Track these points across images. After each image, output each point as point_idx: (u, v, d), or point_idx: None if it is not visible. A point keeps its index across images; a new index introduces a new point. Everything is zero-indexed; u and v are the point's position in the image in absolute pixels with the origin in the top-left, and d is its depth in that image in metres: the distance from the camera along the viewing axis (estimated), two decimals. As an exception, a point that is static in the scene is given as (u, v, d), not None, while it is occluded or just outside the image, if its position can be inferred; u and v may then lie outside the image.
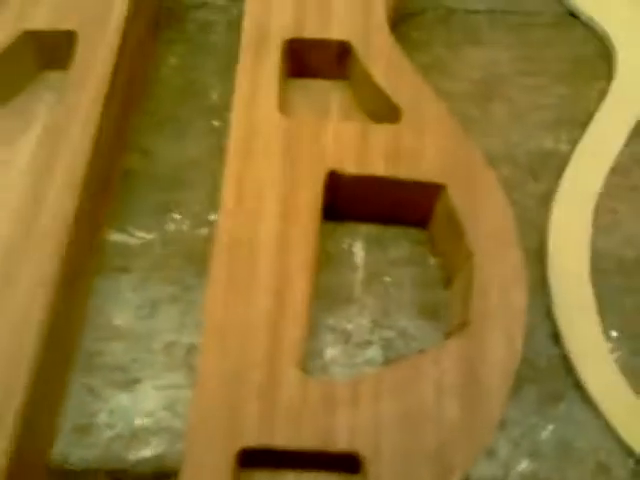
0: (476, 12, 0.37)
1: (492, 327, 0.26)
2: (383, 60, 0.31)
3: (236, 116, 0.30)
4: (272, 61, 0.30)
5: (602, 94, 0.34)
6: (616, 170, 0.33)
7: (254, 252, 0.27)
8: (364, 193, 0.30)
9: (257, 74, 0.30)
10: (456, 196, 0.28)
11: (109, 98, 0.30)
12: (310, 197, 0.28)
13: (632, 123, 0.33)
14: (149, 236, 0.32)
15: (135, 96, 0.34)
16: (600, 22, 0.36)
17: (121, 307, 0.30)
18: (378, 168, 0.29)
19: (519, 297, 0.26)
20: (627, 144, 0.33)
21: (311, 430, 0.25)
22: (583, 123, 0.34)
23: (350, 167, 0.29)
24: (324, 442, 0.24)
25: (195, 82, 0.35)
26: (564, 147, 0.34)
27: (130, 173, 0.33)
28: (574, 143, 0.33)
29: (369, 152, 0.29)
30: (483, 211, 0.28)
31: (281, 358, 0.26)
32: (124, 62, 0.32)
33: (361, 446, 0.24)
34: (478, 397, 0.25)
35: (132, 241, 0.32)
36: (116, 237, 0.32)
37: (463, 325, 0.27)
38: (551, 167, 0.33)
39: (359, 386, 0.25)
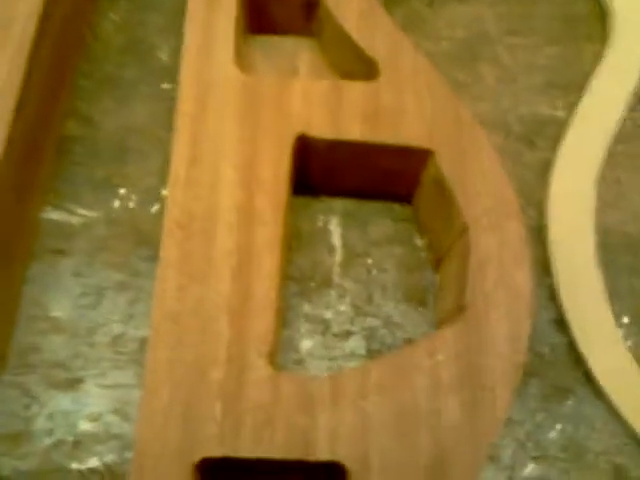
0: (460, -36, 0.33)
1: (493, 311, 0.22)
2: (355, 10, 0.27)
3: (186, 72, 0.25)
4: (227, 11, 0.26)
5: (597, 56, 0.31)
6: (618, 137, 0.29)
7: (211, 227, 0.23)
8: (339, 162, 0.26)
9: (210, 25, 0.26)
10: (445, 162, 0.24)
11: (35, 58, 0.26)
12: (277, 164, 0.24)
13: (631, 87, 0.30)
14: (91, 214, 0.27)
15: (72, 56, 0.29)
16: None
17: (60, 295, 0.26)
18: (354, 132, 0.25)
19: (523, 276, 0.23)
20: (629, 109, 0.30)
21: (284, 436, 0.21)
22: (579, 86, 0.30)
23: (322, 131, 0.25)
24: (301, 451, 0.20)
25: (141, 41, 0.30)
26: (560, 113, 0.30)
27: (70, 142, 0.28)
28: (571, 108, 0.30)
29: (343, 113, 0.25)
30: (477, 178, 0.24)
31: (247, 351, 0.22)
32: (54, 17, 0.27)
33: (345, 455, 0.20)
34: (480, 394, 0.21)
35: (72, 220, 0.27)
36: (53, 215, 0.27)
37: (459, 310, 0.23)
38: (548, 135, 0.30)
39: (341, 382, 0.21)
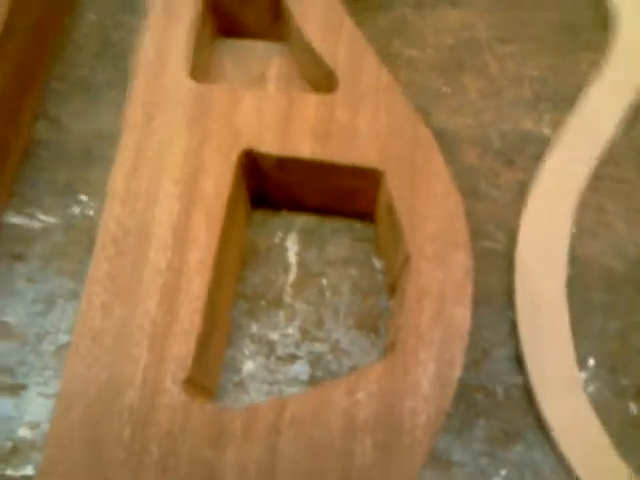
0: (456, -35, 0.31)
1: (424, 350, 0.21)
2: (318, 16, 0.25)
3: (138, 81, 0.25)
4: (185, 15, 0.25)
5: (594, 68, 0.29)
6: (608, 158, 0.27)
7: (144, 244, 0.23)
8: (291, 179, 0.25)
9: (167, 31, 0.25)
10: (394, 184, 0.23)
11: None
12: (219, 181, 0.23)
13: (628, 102, 0.27)
14: (51, 220, 0.27)
15: (44, 58, 0.29)
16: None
17: (12, 300, 0.26)
18: (303, 149, 0.24)
19: (462, 314, 0.21)
20: (623, 129, 0.27)
21: (188, 469, 0.20)
22: (570, 101, 0.28)
23: (270, 146, 0.24)
24: (205, 483, 0.20)
25: (117, 44, 0.30)
26: (547, 130, 0.28)
27: (37, 146, 0.29)
28: (558, 125, 0.28)
29: (293, 128, 0.24)
30: (425, 204, 0.22)
31: (162, 376, 0.21)
32: (24, 15, 0.27)
33: (247, 491, 0.20)
34: (397, 437, 0.20)
35: (32, 225, 0.27)
36: (15, 219, 0.27)
37: (391, 346, 0.22)
38: (529, 154, 0.27)
39: (255, 416, 0.21)
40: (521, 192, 0.27)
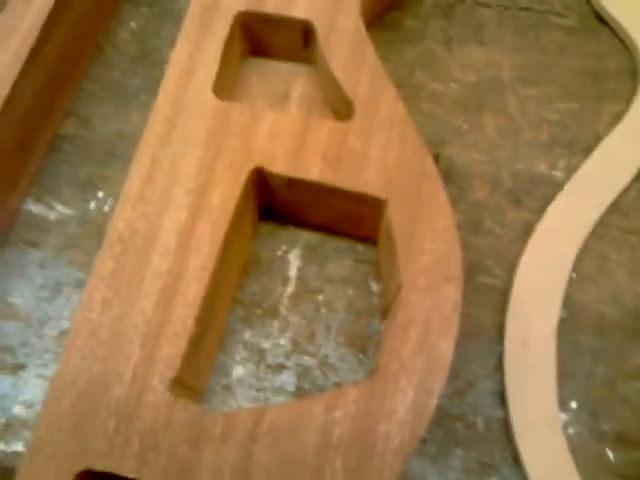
0: (486, 5, 0.31)
1: (405, 377, 0.21)
2: (345, 47, 0.26)
3: (164, 91, 0.26)
4: (217, 34, 0.27)
5: (617, 118, 0.29)
6: (616, 208, 0.27)
7: (149, 247, 0.24)
8: (299, 197, 0.26)
9: (198, 48, 0.26)
10: (396, 213, 0.23)
11: (35, 58, 0.27)
12: (227, 194, 0.24)
13: (646, 155, 0.28)
14: (68, 212, 0.29)
15: (82, 60, 0.31)
16: (629, 29, 0.30)
17: (22, 283, 0.27)
18: (312, 172, 0.24)
19: (446, 346, 0.22)
20: (636, 179, 0.28)
21: (165, 464, 0.21)
22: (586, 148, 0.28)
23: (280, 166, 0.24)
24: (180, 479, 0.21)
25: (152, 51, 0.31)
26: (559, 174, 0.28)
27: (63, 140, 0.30)
28: (572, 170, 0.28)
29: (305, 152, 0.25)
30: (424, 237, 0.23)
31: (151, 374, 0.22)
32: (64, 22, 0.28)
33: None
34: (367, 459, 0.20)
35: (48, 214, 0.29)
36: (32, 207, 0.29)
37: (375, 370, 0.22)
38: (539, 195, 0.28)
39: (234, 422, 0.21)
40: (525, 232, 0.27)
